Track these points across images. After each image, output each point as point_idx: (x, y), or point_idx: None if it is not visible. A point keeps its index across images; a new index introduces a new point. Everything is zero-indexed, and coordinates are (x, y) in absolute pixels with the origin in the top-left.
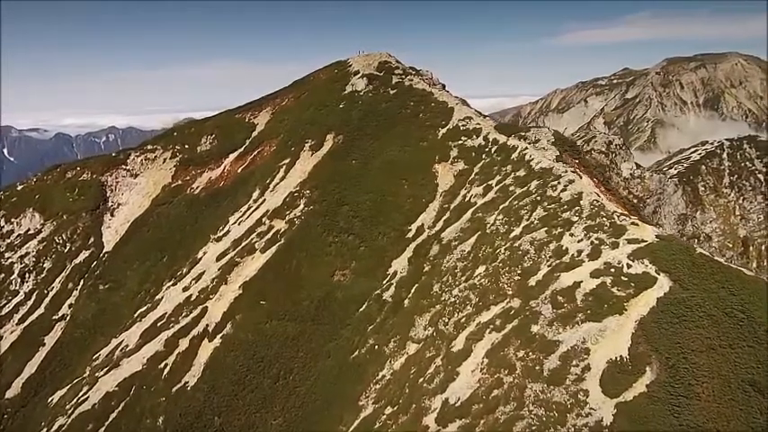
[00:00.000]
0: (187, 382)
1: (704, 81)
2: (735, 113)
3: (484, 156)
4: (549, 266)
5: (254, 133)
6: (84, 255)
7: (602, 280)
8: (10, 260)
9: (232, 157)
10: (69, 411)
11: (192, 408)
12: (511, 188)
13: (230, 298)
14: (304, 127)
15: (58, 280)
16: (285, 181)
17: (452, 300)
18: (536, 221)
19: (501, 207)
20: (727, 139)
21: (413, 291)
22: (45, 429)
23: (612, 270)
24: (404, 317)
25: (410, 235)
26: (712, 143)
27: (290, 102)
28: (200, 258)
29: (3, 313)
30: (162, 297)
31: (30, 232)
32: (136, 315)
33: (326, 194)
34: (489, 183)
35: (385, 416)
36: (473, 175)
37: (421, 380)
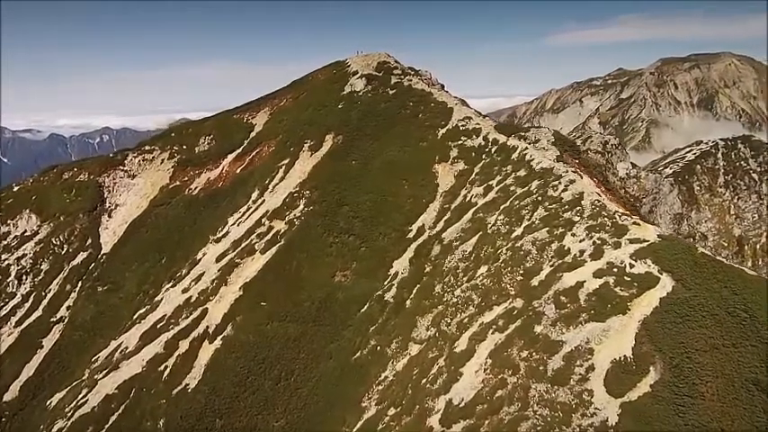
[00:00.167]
0: (188, 385)
1: (698, 81)
2: (729, 113)
3: (484, 156)
4: (551, 266)
5: (253, 134)
6: (81, 256)
7: (605, 280)
8: (6, 262)
9: (230, 157)
10: (68, 414)
11: (193, 410)
12: (512, 188)
13: (230, 299)
14: (303, 127)
15: (55, 282)
16: (284, 181)
17: (454, 300)
18: (537, 221)
19: (502, 207)
20: (721, 139)
21: (414, 291)
22: None
23: (615, 270)
24: (406, 317)
25: (411, 235)
26: (707, 143)
27: (289, 102)
28: (200, 259)
29: (0, 316)
30: (161, 299)
31: (26, 234)
32: (135, 317)
33: (326, 195)
34: (490, 183)
35: (388, 417)
36: (473, 176)
37: (424, 381)
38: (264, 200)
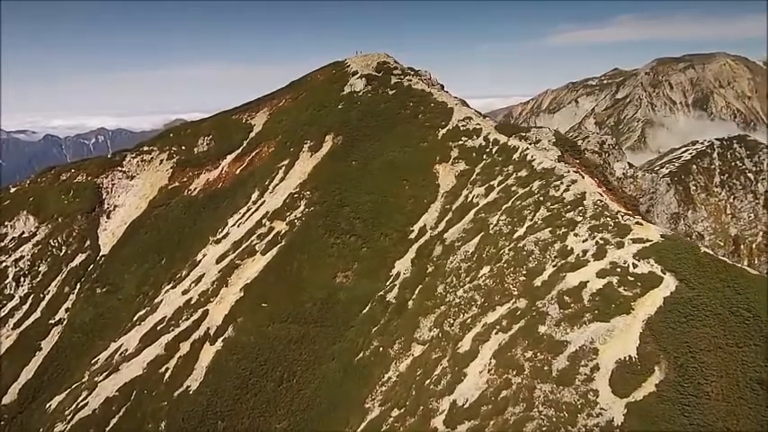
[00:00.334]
0: (189, 386)
1: (693, 81)
2: (723, 113)
3: (485, 156)
4: (554, 267)
5: (252, 134)
6: (80, 258)
7: (609, 280)
8: (4, 264)
9: (230, 158)
10: (69, 417)
11: (195, 412)
12: (513, 188)
13: (231, 301)
14: (302, 128)
15: (54, 283)
16: (285, 182)
17: (457, 301)
18: (540, 222)
19: (504, 207)
20: (717, 139)
21: (417, 292)
22: None
23: (618, 270)
24: (408, 318)
25: (412, 236)
26: (703, 143)
27: (288, 102)
28: (200, 261)
29: None
30: (161, 300)
31: (24, 235)
32: (135, 319)
33: (327, 195)
34: (491, 183)
35: (392, 418)
36: (474, 176)
37: (428, 381)
38: (265, 200)
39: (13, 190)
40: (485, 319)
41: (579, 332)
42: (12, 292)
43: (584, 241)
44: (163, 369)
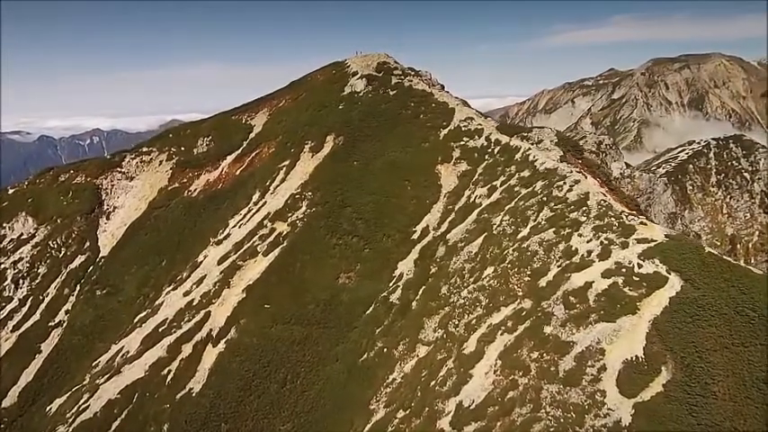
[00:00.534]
0: (192, 389)
1: (688, 81)
2: (719, 113)
3: (487, 156)
4: (559, 267)
5: (252, 135)
6: (79, 259)
7: (614, 280)
8: (3, 266)
9: (230, 158)
10: (70, 420)
11: (198, 414)
12: (516, 189)
13: (233, 302)
14: (303, 128)
15: (53, 285)
16: (286, 183)
17: (461, 301)
18: (543, 222)
19: (507, 208)
20: (713, 139)
21: (420, 293)
22: None
23: (624, 270)
24: (412, 319)
25: (415, 236)
26: (699, 143)
27: (288, 103)
28: (201, 262)
29: None
30: (162, 302)
31: (23, 237)
32: (135, 321)
33: (328, 196)
34: (494, 183)
35: (397, 419)
36: (477, 176)
37: (433, 383)
38: (266, 201)
39: (11, 191)
40: (490, 320)
41: (585, 332)
42: (11, 294)
43: (588, 241)
44: (165, 371)
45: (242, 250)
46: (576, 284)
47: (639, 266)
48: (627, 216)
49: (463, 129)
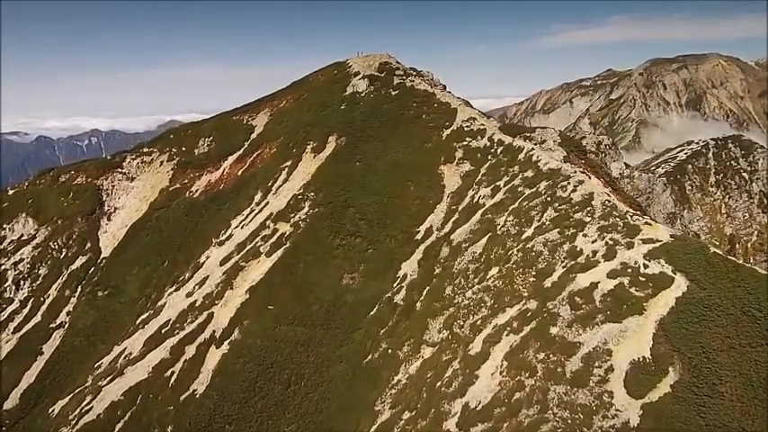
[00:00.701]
0: (195, 390)
1: (686, 82)
2: (717, 113)
3: (490, 157)
4: (564, 267)
5: (253, 135)
6: (80, 260)
7: (620, 280)
8: (3, 267)
9: (231, 159)
10: (73, 422)
11: (202, 416)
12: (519, 189)
13: (237, 303)
14: (305, 128)
15: (54, 287)
16: (288, 183)
17: (466, 302)
18: (548, 222)
19: (510, 208)
20: (712, 139)
21: (424, 293)
22: None
23: (629, 270)
24: (417, 320)
25: (419, 237)
26: (698, 143)
27: (290, 103)
28: (203, 263)
29: None
30: (164, 303)
31: (23, 238)
32: (138, 322)
33: (331, 197)
34: (497, 184)
35: (403, 421)
36: (480, 176)
37: (438, 384)
38: (268, 202)
39: (11, 192)
40: (495, 321)
41: (592, 333)
42: (11, 295)
43: (593, 242)
44: (168, 373)
45: (244, 251)
46: (582, 285)
47: (645, 267)
48: (632, 216)
49: (466, 129)
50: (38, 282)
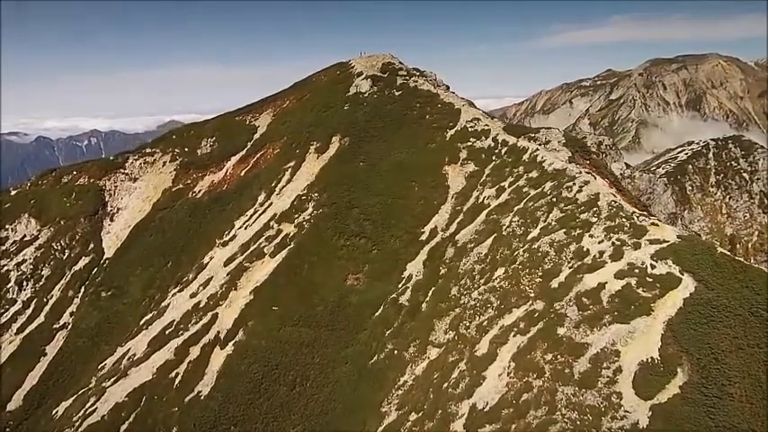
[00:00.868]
0: (200, 392)
1: (686, 82)
2: (716, 114)
3: (494, 157)
4: (570, 268)
5: (256, 136)
6: (83, 261)
7: (627, 281)
8: (6, 268)
9: (234, 159)
10: (77, 423)
11: (207, 418)
12: (524, 189)
13: (241, 304)
14: (308, 129)
15: (57, 287)
16: (292, 184)
17: (472, 303)
18: (553, 223)
19: (516, 209)
20: (712, 139)
21: (430, 294)
22: None
23: (637, 271)
24: (422, 321)
25: (423, 238)
26: (698, 143)
27: (292, 104)
28: (207, 264)
29: (0, 323)
30: (168, 304)
31: (26, 239)
32: (141, 323)
33: (335, 197)
34: (502, 184)
35: (410, 422)
36: (484, 177)
37: (445, 385)
38: (272, 203)
39: (13, 192)
40: (502, 322)
41: (600, 334)
42: (14, 296)
43: (599, 242)
44: (173, 374)
45: (248, 252)
46: (589, 285)
47: (652, 267)
48: (638, 217)
49: (470, 129)
50: (41, 282)
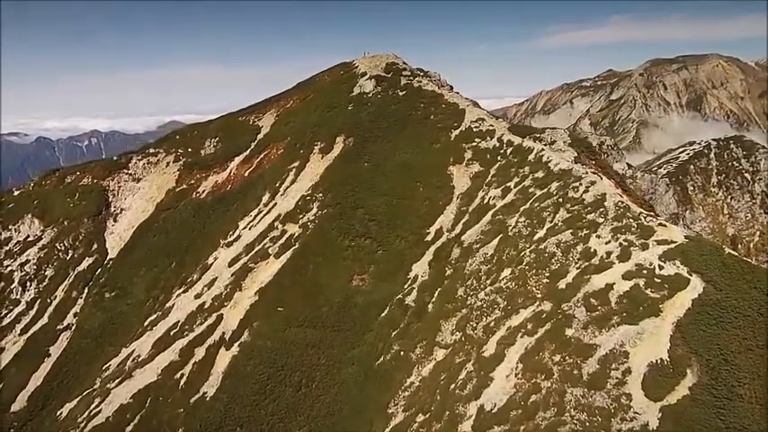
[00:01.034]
0: (206, 393)
1: (686, 82)
2: (717, 114)
3: (499, 157)
4: (578, 269)
5: (260, 136)
6: (87, 262)
7: (635, 282)
8: (9, 268)
9: (238, 160)
10: (81, 425)
11: (212, 419)
12: (530, 190)
13: (246, 305)
14: (312, 129)
15: (61, 288)
16: (296, 184)
17: (479, 304)
18: (560, 223)
19: (522, 209)
20: (714, 140)
21: (436, 295)
22: None
23: (645, 272)
24: (429, 322)
25: (429, 238)
26: (700, 143)
27: (296, 104)
28: (211, 264)
29: (4, 324)
30: (173, 305)
31: (29, 239)
32: (146, 324)
33: (340, 198)
34: (507, 185)
35: (417, 423)
36: (490, 177)
37: (452, 386)
38: (276, 203)
39: (16, 193)
40: (509, 323)
41: (608, 335)
42: (18, 296)
43: (607, 243)
44: (178, 375)
45: (253, 252)
46: (597, 286)
47: (660, 268)
48: (645, 217)
49: (474, 130)
50: (44, 283)
